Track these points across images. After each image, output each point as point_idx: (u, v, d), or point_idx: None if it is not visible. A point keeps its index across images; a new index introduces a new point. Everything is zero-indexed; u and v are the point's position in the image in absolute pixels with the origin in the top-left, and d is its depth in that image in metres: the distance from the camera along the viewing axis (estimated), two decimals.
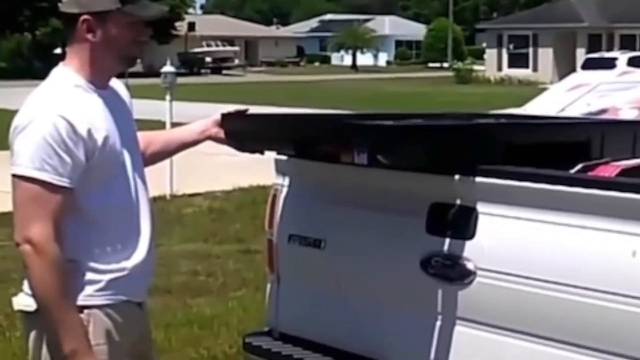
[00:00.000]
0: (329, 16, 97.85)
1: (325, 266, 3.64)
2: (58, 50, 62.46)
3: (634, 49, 39.65)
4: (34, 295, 2.94)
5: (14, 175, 2.92)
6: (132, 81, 9.67)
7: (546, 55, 53.20)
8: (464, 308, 3.24)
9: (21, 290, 3.08)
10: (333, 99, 31.40)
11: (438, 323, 3.30)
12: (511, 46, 55.16)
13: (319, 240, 3.62)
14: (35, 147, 2.89)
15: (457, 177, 3.25)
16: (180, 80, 15.47)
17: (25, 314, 3.05)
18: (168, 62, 12.44)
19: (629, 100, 4.74)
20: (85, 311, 2.98)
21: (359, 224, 3.54)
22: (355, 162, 3.22)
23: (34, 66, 55.52)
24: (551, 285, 3.03)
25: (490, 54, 56.72)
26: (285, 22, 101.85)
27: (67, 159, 2.89)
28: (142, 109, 6.26)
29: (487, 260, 3.17)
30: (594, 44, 50.24)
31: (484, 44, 62.25)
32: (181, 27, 61.53)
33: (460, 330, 3.26)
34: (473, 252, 3.20)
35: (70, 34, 3.03)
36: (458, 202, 3.27)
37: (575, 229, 3.01)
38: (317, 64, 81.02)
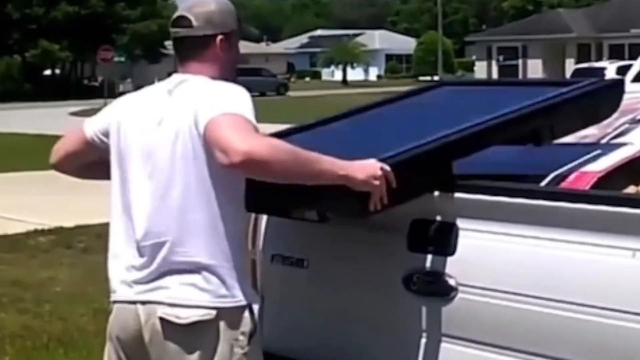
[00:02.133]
0: (318, 32, 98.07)
1: (308, 285, 3.64)
2: (48, 72, 62.65)
3: (622, 59, 39.67)
4: (289, 176, 2.96)
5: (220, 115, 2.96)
6: None
7: (536, 67, 53.40)
8: (446, 324, 3.23)
9: (174, 305, 3.02)
10: (322, 114, 31.31)
11: (421, 340, 3.30)
12: (501, 58, 55.38)
13: (302, 259, 3.62)
14: (244, 101, 3.02)
15: (436, 193, 3.26)
16: None
17: (193, 325, 3.01)
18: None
19: None
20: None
21: (341, 242, 3.55)
22: (307, 219, 3.29)
23: (24, 88, 55.57)
24: (533, 300, 3.03)
25: (480, 66, 56.97)
26: (275, 39, 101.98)
27: None
28: None
29: (468, 276, 3.18)
30: (583, 54, 50.47)
31: (474, 57, 62.49)
32: (171, 46, 61.52)
33: (444, 347, 3.25)
34: (454, 268, 3.20)
35: (197, 54, 3.22)
36: (438, 218, 3.28)
37: (555, 242, 3.02)
38: (307, 79, 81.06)
